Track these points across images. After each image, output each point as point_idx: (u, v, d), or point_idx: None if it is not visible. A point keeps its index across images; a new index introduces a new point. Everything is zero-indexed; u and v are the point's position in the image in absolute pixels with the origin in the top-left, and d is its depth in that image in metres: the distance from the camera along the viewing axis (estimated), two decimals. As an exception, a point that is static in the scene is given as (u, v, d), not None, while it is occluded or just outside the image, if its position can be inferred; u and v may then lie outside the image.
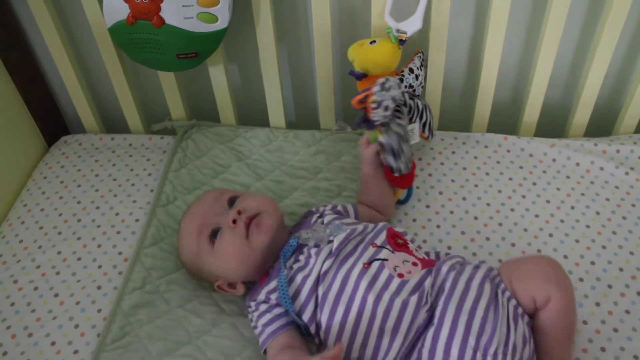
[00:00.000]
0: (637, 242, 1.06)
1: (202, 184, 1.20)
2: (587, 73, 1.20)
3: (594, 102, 1.24)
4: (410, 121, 1.12)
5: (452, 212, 1.13)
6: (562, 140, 1.24)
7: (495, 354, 0.80)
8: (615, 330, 0.94)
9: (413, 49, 1.19)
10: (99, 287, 1.04)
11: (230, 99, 1.30)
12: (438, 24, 1.14)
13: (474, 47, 1.27)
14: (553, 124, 1.35)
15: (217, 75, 1.26)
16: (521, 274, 0.87)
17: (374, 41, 1.10)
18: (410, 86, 1.15)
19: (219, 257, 0.94)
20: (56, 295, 1.03)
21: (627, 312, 0.96)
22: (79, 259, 1.09)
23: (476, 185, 1.18)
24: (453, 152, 1.24)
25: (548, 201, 1.14)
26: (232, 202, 0.98)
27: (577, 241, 1.07)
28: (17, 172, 1.28)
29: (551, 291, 0.83)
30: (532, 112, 1.26)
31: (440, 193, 1.17)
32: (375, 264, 0.89)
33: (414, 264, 0.91)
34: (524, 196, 1.15)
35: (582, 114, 1.26)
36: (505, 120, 1.35)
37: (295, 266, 0.92)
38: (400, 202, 1.14)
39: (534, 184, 1.17)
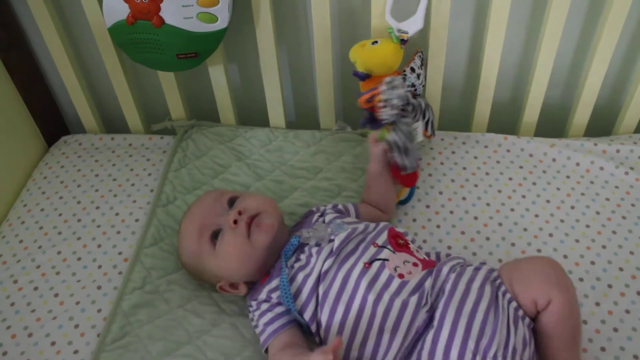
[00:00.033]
0: (637, 242, 1.06)
1: (202, 184, 1.20)
2: (587, 73, 1.20)
3: (594, 102, 1.24)
4: (414, 120, 1.12)
5: (452, 212, 1.13)
6: (562, 140, 1.24)
7: (494, 356, 0.80)
8: (615, 330, 0.94)
9: (412, 49, 1.19)
10: (99, 287, 1.04)
11: (230, 99, 1.30)
12: (438, 24, 1.14)
13: (474, 47, 1.27)
14: (553, 124, 1.35)
15: (217, 75, 1.26)
16: (521, 276, 0.86)
17: (376, 42, 1.10)
18: (412, 85, 1.15)
19: (221, 258, 0.94)
20: (56, 295, 1.03)
21: (627, 311, 0.96)
22: (79, 259, 1.09)
23: (476, 185, 1.18)
24: (453, 152, 1.24)
25: (548, 201, 1.14)
26: (232, 202, 0.98)
27: (577, 241, 1.07)
28: (17, 172, 1.28)
29: (552, 293, 0.83)
30: (532, 112, 1.26)
31: (440, 193, 1.17)
32: (376, 264, 0.89)
33: (415, 264, 0.91)
34: (524, 196, 1.15)
35: (582, 114, 1.26)
36: (505, 120, 1.35)
37: (297, 265, 0.92)
38: (402, 202, 1.14)
39: (534, 183, 1.17)
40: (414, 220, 1.12)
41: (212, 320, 0.98)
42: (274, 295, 0.92)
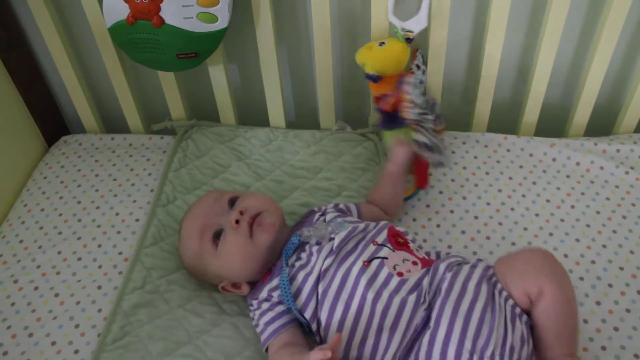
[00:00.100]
0: (638, 241, 1.06)
1: (202, 184, 1.20)
2: (587, 72, 1.20)
3: (594, 102, 1.24)
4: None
5: (452, 212, 1.13)
6: (562, 139, 1.25)
7: (492, 355, 0.80)
8: (616, 329, 0.94)
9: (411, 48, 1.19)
10: (99, 287, 1.04)
11: (230, 99, 1.30)
12: (438, 24, 1.14)
13: (474, 47, 1.27)
14: (553, 124, 1.35)
15: (217, 75, 1.26)
16: (513, 270, 0.86)
17: (383, 42, 1.10)
18: (421, 82, 1.15)
19: (223, 258, 0.94)
20: (56, 295, 1.03)
21: (628, 310, 0.96)
22: (79, 258, 1.09)
23: (476, 185, 1.18)
24: (453, 152, 1.24)
25: (548, 200, 1.14)
26: (232, 202, 0.98)
27: (577, 240, 1.07)
28: (17, 172, 1.28)
29: (543, 282, 0.82)
30: (532, 111, 1.27)
31: (441, 192, 1.17)
32: (375, 262, 0.89)
33: (414, 263, 0.91)
34: (524, 195, 1.15)
35: (582, 114, 1.26)
36: (505, 120, 1.35)
37: (297, 264, 0.92)
38: (404, 199, 1.15)
39: (534, 183, 1.17)
40: (414, 219, 1.12)
41: (212, 320, 0.98)
42: (275, 294, 0.92)
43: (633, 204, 1.12)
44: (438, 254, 1.01)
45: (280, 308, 0.91)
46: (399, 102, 1.05)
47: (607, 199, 1.13)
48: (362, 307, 0.86)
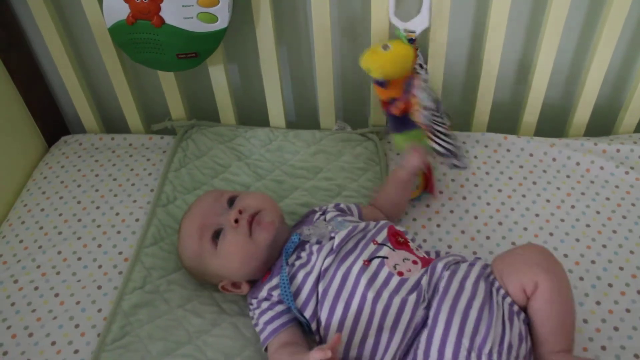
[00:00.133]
0: (638, 241, 1.06)
1: (202, 184, 1.20)
2: (587, 72, 1.21)
3: (594, 102, 1.24)
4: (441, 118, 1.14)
5: (452, 212, 1.13)
6: (562, 139, 1.25)
7: (490, 353, 0.80)
8: (616, 329, 0.94)
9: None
10: (99, 287, 1.04)
11: (230, 99, 1.30)
12: (438, 24, 1.14)
13: (474, 47, 1.27)
14: (553, 124, 1.35)
15: (217, 75, 1.26)
16: (509, 266, 0.86)
17: (387, 46, 1.09)
18: (425, 81, 1.15)
19: (223, 257, 0.94)
20: (56, 295, 1.03)
21: (628, 310, 0.96)
22: (79, 258, 1.09)
23: (476, 185, 1.18)
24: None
25: (548, 200, 1.14)
26: (231, 202, 0.98)
27: (577, 240, 1.07)
28: (17, 172, 1.28)
29: (538, 276, 0.82)
30: (532, 111, 1.27)
31: (441, 192, 1.17)
32: (375, 262, 0.89)
33: (414, 262, 0.91)
34: (524, 195, 1.15)
35: (582, 114, 1.26)
36: (505, 120, 1.35)
37: (297, 263, 0.92)
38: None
39: (534, 183, 1.17)
40: (414, 219, 1.12)
41: (212, 320, 0.98)
42: (275, 293, 0.92)
43: (633, 204, 1.12)
44: (438, 254, 1.01)
45: (280, 307, 0.91)
46: (409, 105, 1.05)
47: (607, 199, 1.13)
48: (363, 306, 0.86)
